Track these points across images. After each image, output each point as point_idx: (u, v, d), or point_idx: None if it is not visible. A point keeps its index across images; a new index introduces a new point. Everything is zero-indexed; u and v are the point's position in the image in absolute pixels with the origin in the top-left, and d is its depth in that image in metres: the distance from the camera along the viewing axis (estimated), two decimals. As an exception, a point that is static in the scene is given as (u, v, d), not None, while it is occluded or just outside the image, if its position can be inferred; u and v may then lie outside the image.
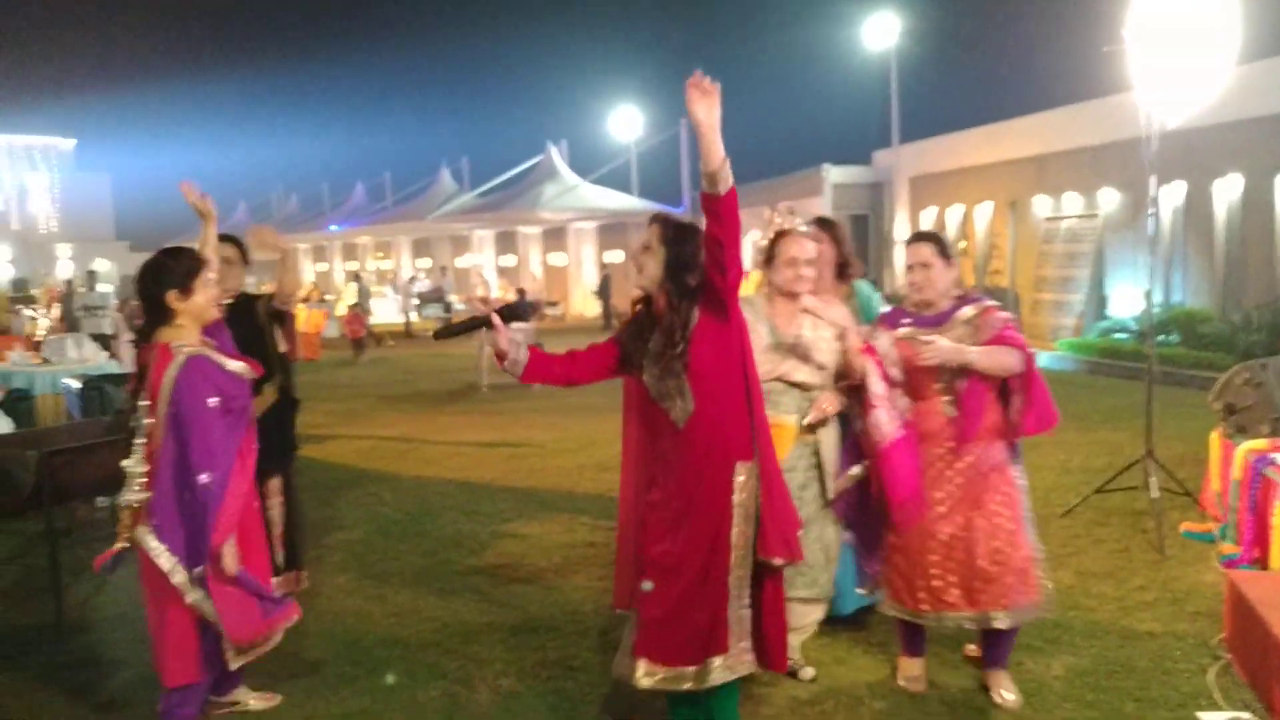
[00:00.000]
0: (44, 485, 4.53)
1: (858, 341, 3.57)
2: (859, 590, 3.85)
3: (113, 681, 3.97)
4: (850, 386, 3.61)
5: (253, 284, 4.65)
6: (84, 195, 42.80)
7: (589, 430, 9.32)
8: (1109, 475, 6.17)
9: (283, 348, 4.62)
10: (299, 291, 4.68)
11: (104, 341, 12.52)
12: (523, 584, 5.05)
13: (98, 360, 9.33)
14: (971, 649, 3.88)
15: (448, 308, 24.61)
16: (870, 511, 3.63)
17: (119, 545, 3.29)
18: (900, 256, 21.26)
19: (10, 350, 9.52)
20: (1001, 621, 3.48)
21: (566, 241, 30.80)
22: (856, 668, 3.89)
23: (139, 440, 3.25)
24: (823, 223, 4.25)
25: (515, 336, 3.21)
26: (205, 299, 3.35)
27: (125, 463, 3.28)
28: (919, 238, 3.71)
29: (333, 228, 34.65)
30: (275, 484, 4.53)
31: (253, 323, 4.42)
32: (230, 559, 3.16)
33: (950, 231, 19.12)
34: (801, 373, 3.60)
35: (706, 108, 2.76)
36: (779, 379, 3.59)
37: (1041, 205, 17.36)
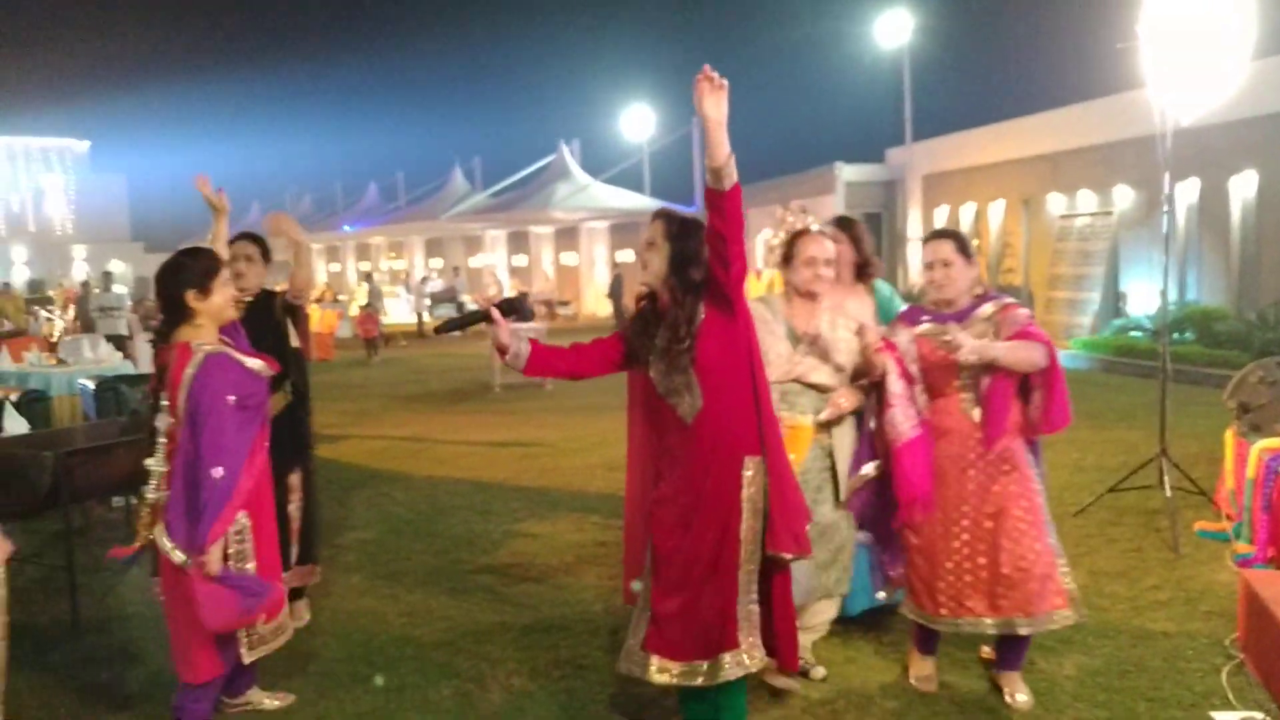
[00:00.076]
0: (60, 485, 4.56)
1: (876, 337, 3.52)
2: (878, 594, 3.83)
3: (128, 679, 4.00)
4: (869, 384, 3.59)
5: (270, 283, 4.67)
6: (99, 196, 43.05)
7: (600, 430, 9.33)
8: (1123, 474, 6.14)
9: (295, 343, 4.64)
10: (312, 286, 4.70)
11: (119, 342, 12.61)
12: (534, 583, 5.06)
13: (113, 361, 9.39)
14: (986, 651, 3.85)
15: (460, 308, 24.69)
16: (890, 512, 3.60)
17: (138, 543, 3.32)
18: (914, 254, 21.33)
19: (27, 351, 9.58)
20: (1025, 628, 3.45)
21: (579, 241, 30.83)
22: (867, 667, 3.88)
23: (161, 440, 3.27)
24: (842, 222, 4.22)
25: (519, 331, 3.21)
26: (223, 299, 3.38)
27: (148, 461, 3.32)
28: (939, 235, 3.65)
29: (346, 228, 34.78)
30: (295, 480, 4.56)
31: (271, 318, 4.45)
32: (215, 561, 3.14)
33: (963, 230, 19.07)
34: (819, 374, 3.58)
35: (715, 103, 2.76)
36: (796, 380, 3.57)
37: (1055, 203, 17.29)
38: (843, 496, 3.63)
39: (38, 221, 41.87)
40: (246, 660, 3.38)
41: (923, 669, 3.72)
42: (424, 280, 28.73)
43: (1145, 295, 14.82)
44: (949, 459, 3.51)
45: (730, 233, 2.90)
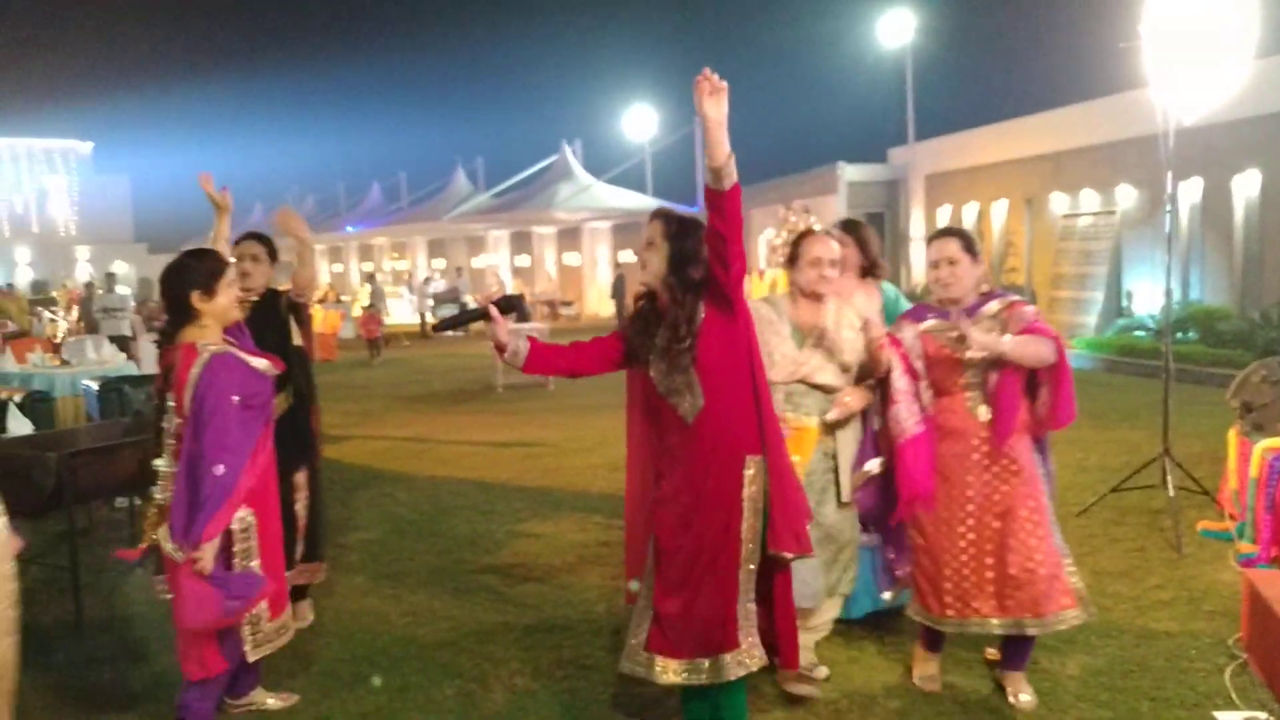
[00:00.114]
0: (64, 486, 4.58)
1: (880, 332, 3.51)
2: (884, 595, 3.81)
3: (132, 679, 4.01)
4: (875, 382, 3.57)
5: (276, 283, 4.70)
6: (102, 198, 43.10)
7: (603, 430, 9.34)
8: (1126, 474, 6.14)
9: (298, 340, 4.65)
10: (315, 284, 4.71)
11: (122, 343, 12.63)
12: (537, 583, 5.07)
13: (116, 362, 9.40)
14: (992, 653, 3.83)
15: (463, 308, 24.69)
16: (895, 510, 3.58)
17: (144, 544, 3.33)
18: (917, 254, 21.30)
19: (30, 352, 9.61)
20: (1034, 629, 3.43)
21: (581, 241, 30.85)
22: (870, 667, 3.88)
23: (169, 440, 3.29)
24: (848, 225, 4.20)
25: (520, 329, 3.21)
26: (228, 300, 3.39)
27: (156, 462, 3.33)
28: (944, 233, 3.62)
29: (349, 228, 34.82)
30: (301, 478, 4.58)
31: (275, 317, 4.48)
32: (208, 559, 3.14)
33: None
34: (825, 374, 3.56)
35: (715, 104, 2.77)
36: (802, 380, 3.56)
37: (1058, 202, 17.27)
38: (844, 498, 3.62)
39: (41, 223, 41.95)
40: (251, 658, 3.39)
41: (927, 668, 3.72)
42: (427, 281, 28.74)
43: (1148, 295, 14.80)
44: (954, 458, 3.49)
45: (730, 233, 2.90)
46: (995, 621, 3.45)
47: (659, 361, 3.07)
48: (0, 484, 3.35)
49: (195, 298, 3.32)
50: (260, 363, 3.41)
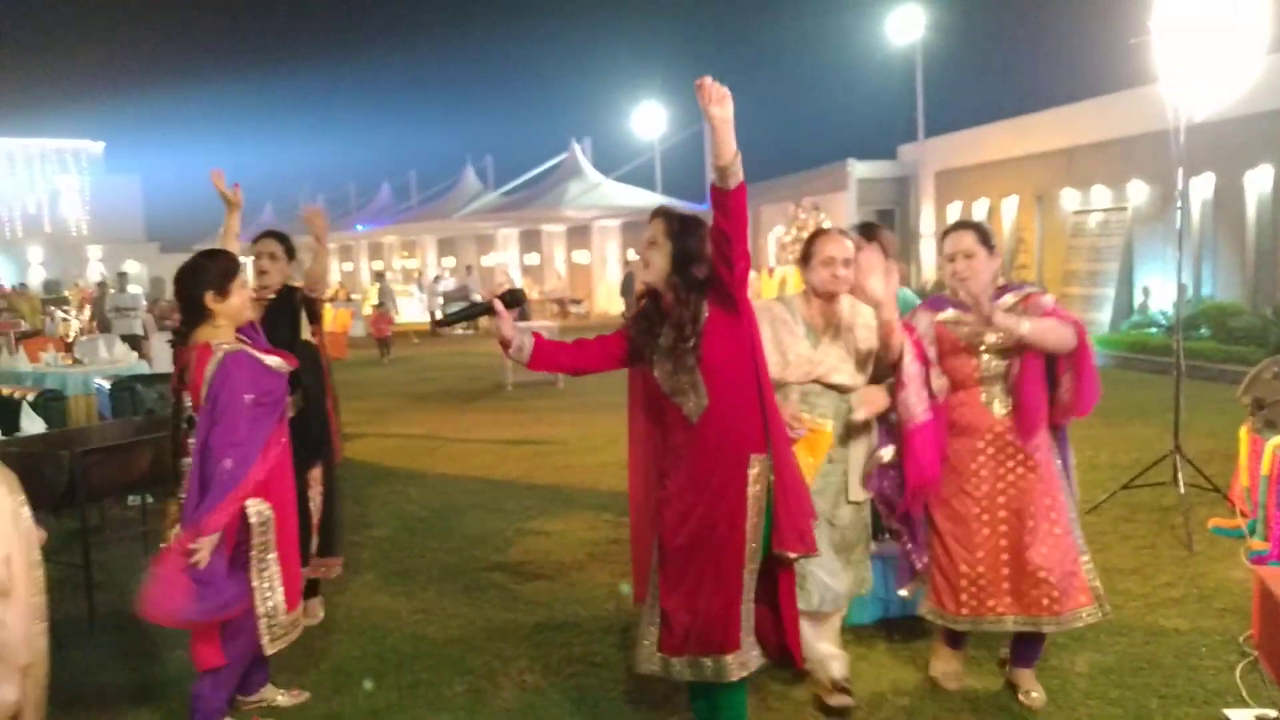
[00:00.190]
0: (77, 484, 4.61)
1: (894, 313, 3.42)
2: (901, 591, 3.76)
3: (145, 676, 4.03)
4: (889, 365, 3.50)
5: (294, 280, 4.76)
6: (114, 197, 43.25)
7: (613, 427, 9.34)
8: (1137, 471, 6.11)
9: (306, 334, 4.68)
10: (328, 279, 4.78)
11: (134, 342, 12.70)
12: (547, 581, 5.08)
13: (128, 361, 9.46)
14: (1005, 654, 3.76)
15: (470, 305, 24.71)
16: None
17: (166, 544, 3.36)
18: (927, 251, 21.22)
19: (43, 351, 9.67)
20: (1050, 627, 3.40)
21: (590, 239, 30.87)
22: (879, 665, 3.88)
23: (192, 440, 3.32)
24: (866, 228, 4.14)
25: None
26: (241, 300, 3.43)
27: (185, 461, 3.36)
28: (960, 226, 3.56)
29: (359, 227, 34.93)
30: (316, 473, 4.63)
31: (292, 314, 4.53)
32: (205, 552, 3.16)
33: (976, 226, 18.99)
34: (840, 374, 3.50)
35: (720, 106, 2.77)
36: (817, 380, 3.50)
37: (1069, 198, 17.22)
38: (852, 497, 3.57)
39: (53, 222, 42.12)
40: (269, 651, 3.42)
41: (949, 665, 3.64)
42: (437, 279, 28.82)
43: (1160, 291, 14.75)
44: (968, 453, 3.45)
45: (735, 232, 2.89)
46: (1011, 619, 3.41)
47: (663, 361, 3.06)
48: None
49: (209, 298, 3.36)
50: (273, 360, 3.45)
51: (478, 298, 25.16)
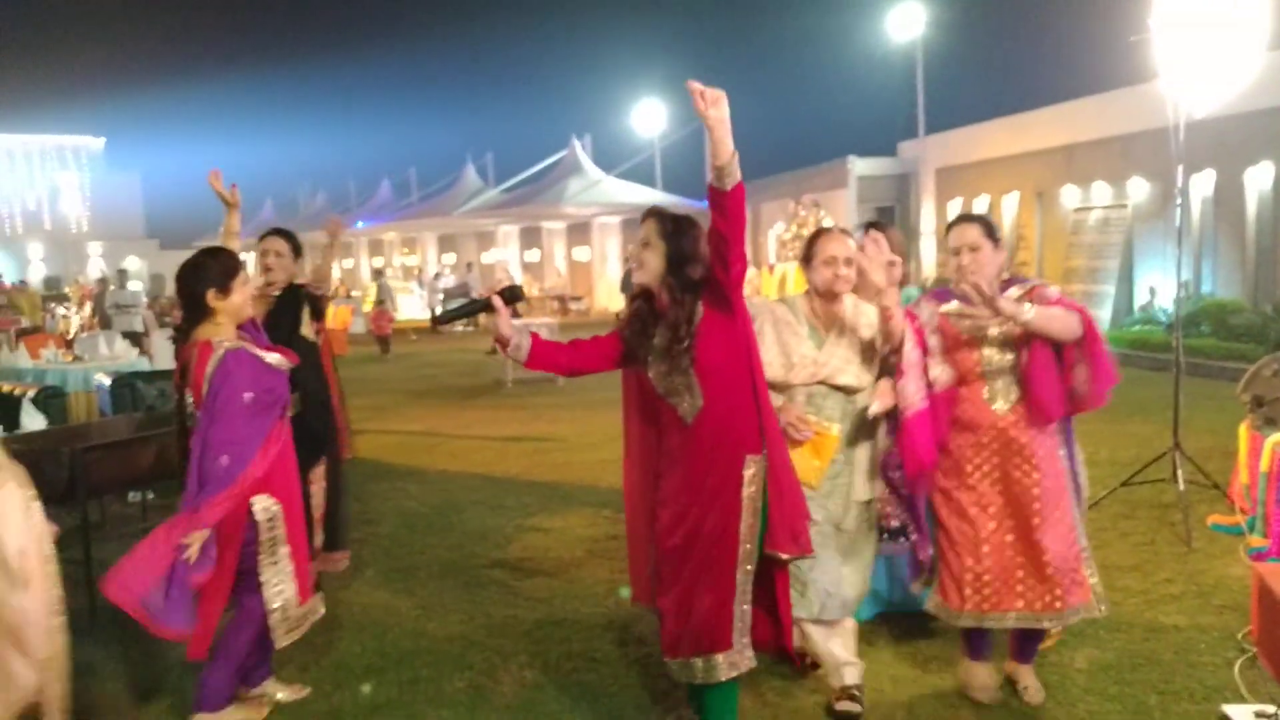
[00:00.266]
0: (77, 480, 4.61)
1: (896, 299, 3.37)
2: (912, 586, 3.76)
3: (146, 671, 4.04)
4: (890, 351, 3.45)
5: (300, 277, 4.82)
6: (114, 194, 43.26)
7: (612, 424, 9.30)
8: (1136, 468, 6.11)
9: (307, 331, 4.71)
10: (331, 277, 4.83)
11: (135, 339, 12.70)
12: (546, 577, 5.09)
13: (129, 357, 9.46)
14: (1010, 667, 3.70)
15: (470, 302, 24.70)
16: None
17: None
18: (927, 248, 21.20)
19: (43, 348, 9.67)
20: (1050, 622, 3.39)
21: (591, 236, 30.86)
22: (880, 661, 3.88)
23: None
24: (872, 227, 4.13)
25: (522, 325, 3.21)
26: (242, 298, 3.46)
27: None
28: (965, 219, 3.52)
29: (359, 224, 34.90)
30: (319, 469, 4.66)
31: (295, 311, 4.57)
32: (195, 548, 3.17)
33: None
34: (846, 375, 3.45)
35: (715, 109, 2.74)
36: (822, 382, 3.45)
37: (1070, 195, 17.21)
38: (857, 495, 3.53)
39: (54, 219, 42.12)
40: (280, 644, 3.46)
41: (978, 677, 3.56)
42: (437, 276, 28.82)
43: (1160, 288, 14.75)
44: (971, 449, 3.42)
45: (731, 233, 2.87)
46: (1013, 616, 3.39)
47: (658, 362, 3.05)
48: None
49: (211, 296, 3.38)
50: (273, 358, 3.47)
51: (477, 293, 25.21)
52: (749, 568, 3.03)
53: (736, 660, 3.03)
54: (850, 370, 3.46)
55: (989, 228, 3.47)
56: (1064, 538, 3.38)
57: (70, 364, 8.75)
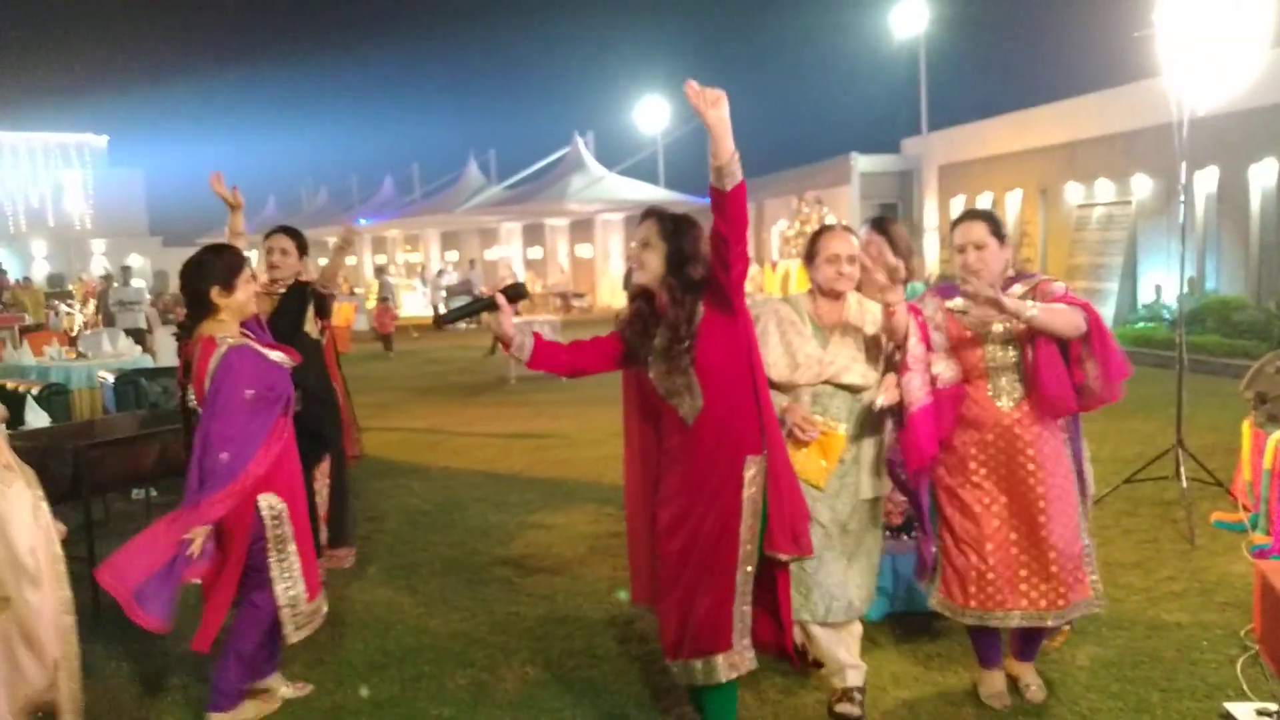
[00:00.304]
0: (81, 478, 4.62)
1: (901, 297, 3.33)
2: (920, 584, 3.73)
3: (150, 669, 4.05)
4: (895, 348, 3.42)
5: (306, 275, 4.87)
6: (117, 191, 43.26)
7: (614, 421, 9.29)
8: (1139, 465, 6.11)
9: (310, 328, 4.73)
10: (338, 277, 4.87)
11: (138, 336, 12.72)
12: (549, 574, 5.10)
13: (132, 355, 9.48)
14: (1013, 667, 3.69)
15: (474, 300, 24.70)
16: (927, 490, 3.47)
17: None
18: (930, 245, 21.18)
19: (47, 345, 9.69)
20: (1054, 621, 3.38)
21: (594, 233, 30.84)
22: (882, 658, 3.89)
23: None
24: (877, 222, 4.05)
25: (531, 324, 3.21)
26: (246, 295, 3.48)
27: None
28: (971, 216, 3.45)
29: (361, 221, 34.89)
30: (323, 466, 4.68)
31: (300, 308, 4.60)
32: (199, 544, 3.20)
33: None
34: (851, 374, 3.42)
35: (714, 109, 2.73)
36: (828, 381, 3.42)
37: (1073, 192, 17.18)
38: (864, 494, 3.52)
39: (57, 216, 42.14)
40: (291, 640, 3.49)
41: (993, 685, 3.54)
42: (440, 273, 28.82)
43: (1165, 285, 14.72)
44: (976, 447, 3.40)
45: (732, 234, 2.85)
46: (1018, 615, 3.37)
47: (659, 363, 3.03)
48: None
49: (215, 293, 3.40)
50: (276, 355, 3.49)
51: (481, 291, 25.22)
52: (749, 569, 3.02)
53: (736, 661, 3.02)
54: (855, 369, 3.43)
55: (995, 224, 3.43)
56: (1069, 536, 3.36)
57: (74, 361, 8.77)
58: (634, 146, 30.89)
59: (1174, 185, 6.09)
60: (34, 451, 4.87)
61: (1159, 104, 7.28)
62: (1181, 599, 4.42)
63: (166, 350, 10.93)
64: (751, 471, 3.00)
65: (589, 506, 6.39)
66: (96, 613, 4.56)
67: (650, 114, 31.22)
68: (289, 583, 3.43)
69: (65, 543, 3.25)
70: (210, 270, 3.42)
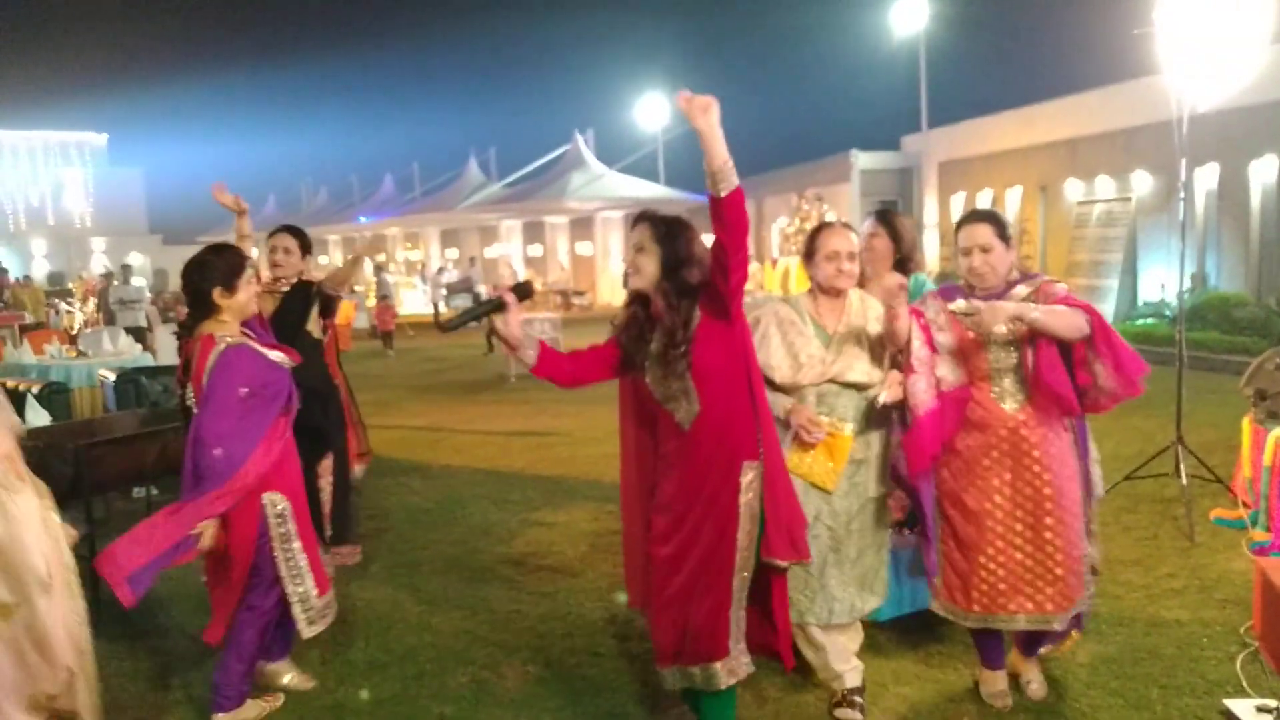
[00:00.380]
0: (82, 476, 4.63)
1: (903, 298, 3.30)
2: (920, 578, 3.72)
3: (151, 666, 4.06)
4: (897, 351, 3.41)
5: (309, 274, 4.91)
6: (117, 190, 43.25)
7: (615, 420, 9.30)
8: (1139, 462, 6.11)
9: (312, 327, 4.74)
10: (348, 283, 4.86)
11: (139, 334, 12.73)
12: (550, 572, 5.10)
13: (132, 353, 9.49)
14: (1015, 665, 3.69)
15: (476, 298, 24.71)
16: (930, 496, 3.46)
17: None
18: (930, 242, 21.17)
19: (47, 344, 9.69)
20: (1059, 624, 3.37)
21: (594, 231, 30.83)
22: (882, 655, 3.89)
23: None
24: (881, 215, 4.01)
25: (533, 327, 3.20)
26: (247, 295, 3.50)
27: None
28: (976, 217, 3.40)
29: (362, 219, 34.88)
30: (325, 464, 4.69)
31: (304, 307, 4.62)
32: (208, 537, 3.25)
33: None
34: (855, 372, 3.39)
35: (704, 117, 2.71)
36: (832, 380, 3.39)
37: (1073, 189, 17.17)
38: (871, 492, 3.51)
39: (57, 215, 42.12)
40: (306, 635, 3.53)
41: (995, 684, 3.53)
42: (440, 271, 28.80)
43: (1165, 281, 14.72)
44: (981, 450, 3.37)
45: (732, 241, 2.81)
46: (1023, 618, 3.35)
47: (654, 367, 3.01)
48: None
49: (216, 293, 3.43)
50: (276, 355, 3.50)
51: (481, 289, 25.18)
52: (745, 575, 3.01)
53: (734, 667, 3.01)
54: (860, 366, 3.40)
55: (1000, 226, 3.38)
56: (1074, 538, 3.34)
57: (74, 360, 8.78)
58: (634, 144, 30.91)
59: (1174, 182, 6.09)
60: (35, 450, 4.88)
61: (1159, 101, 7.27)
62: (1181, 596, 4.42)
63: (167, 348, 10.94)
64: (748, 477, 2.97)
65: (590, 504, 6.39)
66: (97, 611, 4.56)
67: (650, 111, 31.17)
68: (297, 579, 3.46)
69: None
70: (212, 270, 3.44)
